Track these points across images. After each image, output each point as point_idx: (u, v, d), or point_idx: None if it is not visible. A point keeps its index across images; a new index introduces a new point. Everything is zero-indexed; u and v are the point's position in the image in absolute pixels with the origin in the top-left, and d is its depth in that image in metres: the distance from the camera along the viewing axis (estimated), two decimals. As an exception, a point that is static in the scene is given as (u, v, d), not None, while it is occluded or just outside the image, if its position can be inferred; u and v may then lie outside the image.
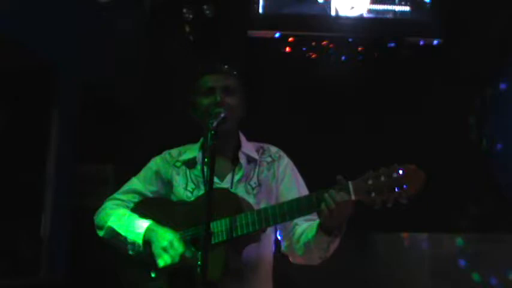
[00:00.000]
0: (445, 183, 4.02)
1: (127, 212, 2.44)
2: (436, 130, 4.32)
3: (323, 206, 2.06)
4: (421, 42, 4.38)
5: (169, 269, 2.22)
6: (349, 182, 2.04)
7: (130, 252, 2.35)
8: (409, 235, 4.57)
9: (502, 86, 4.55)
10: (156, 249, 2.25)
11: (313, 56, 4.32)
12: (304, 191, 2.43)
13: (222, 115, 2.23)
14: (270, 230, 2.39)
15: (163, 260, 2.21)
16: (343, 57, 4.34)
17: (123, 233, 2.36)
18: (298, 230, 2.33)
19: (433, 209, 4.10)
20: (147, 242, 2.30)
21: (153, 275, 2.32)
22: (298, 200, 2.18)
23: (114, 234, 2.39)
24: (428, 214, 4.13)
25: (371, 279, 4.37)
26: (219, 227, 2.20)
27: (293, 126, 4.07)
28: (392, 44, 4.33)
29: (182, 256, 2.19)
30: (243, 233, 2.19)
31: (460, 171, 4.27)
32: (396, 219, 3.79)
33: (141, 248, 2.31)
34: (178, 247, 2.21)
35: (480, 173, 4.39)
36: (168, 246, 2.22)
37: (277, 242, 2.48)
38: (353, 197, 2.02)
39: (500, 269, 4.37)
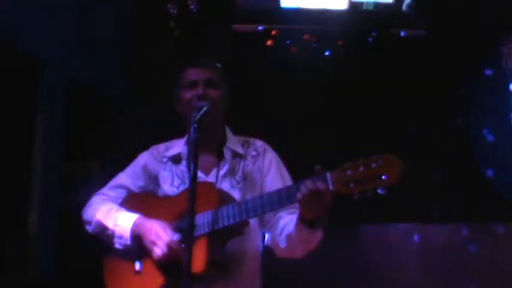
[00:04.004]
0: (429, 173, 4.05)
1: (115, 206, 2.46)
2: (420, 120, 4.34)
3: (299, 196, 2.05)
4: (405, 34, 4.39)
5: (161, 261, 2.24)
6: (328, 173, 2.03)
7: (118, 246, 2.37)
8: (397, 226, 4.58)
9: (487, 73, 4.57)
10: (146, 243, 2.28)
11: (296, 49, 4.32)
12: (290, 184, 2.41)
13: (205, 108, 2.22)
14: (256, 224, 2.40)
15: (154, 253, 2.24)
16: (327, 51, 4.35)
17: (110, 227, 2.38)
18: (282, 222, 2.33)
19: (419, 199, 4.12)
20: (135, 236, 2.32)
21: (137, 267, 2.34)
22: (278, 192, 2.17)
23: (101, 228, 2.41)
24: (415, 204, 4.15)
25: (359, 271, 4.39)
26: (201, 219, 2.21)
27: (278, 119, 4.08)
28: (376, 36, 4.34)
29: (169, 245, 2.21)
30: (224, 225, 2.20)
31: (446, 161, 4.29)
32: (383, 210, 3.81)
33: (128, 242, 2.34)
34: (164, 237, 2.23)
35: (467, 162, 4.41)
36: (156, 238, 2.24)
37: (264, 236, 2.48)
38: (331, 188, 2.01)
39: (489, 259, 4.40)
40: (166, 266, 2.25)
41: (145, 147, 2.64)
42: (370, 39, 4.42)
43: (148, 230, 2.28)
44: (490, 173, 4.45)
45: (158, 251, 2.23)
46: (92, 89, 4.48)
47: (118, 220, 2.38)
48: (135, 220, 2.35)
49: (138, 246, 2.32)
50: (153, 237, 2.25)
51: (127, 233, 2.34)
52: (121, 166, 2.63)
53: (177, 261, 2.16)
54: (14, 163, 4.01)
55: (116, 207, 2.46)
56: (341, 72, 4.30)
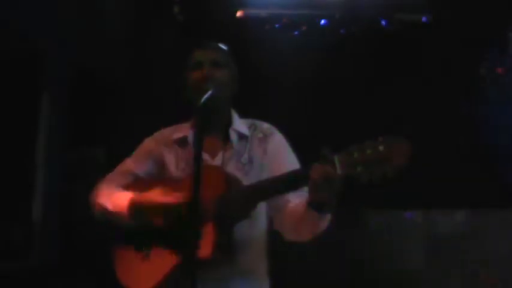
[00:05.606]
0: (437, 158, 4.03)
1: (116, 190, 2.45)
2: (427, 105, 4.32)
3: (308, 182, 2.01)
4: (409, 19, 4.38)
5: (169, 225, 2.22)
6: (335, 156, 1.99)
7: (121, 226, 2.36)
8: (402, 211, 4.57)
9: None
10: (151, 218, 2.25)
11: (300, 35, 4.31)
12: (296, 167, 2.38)
13: (210, 91, 2.20)
14: (263, 208, 2.37)
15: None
16: (329, 34, 4.34)
17: (110, 208, 2.37)
18: (290, 206, 2.30)
19: (426, 184, 4.11)
20: (134, 214, 2.30)
21: (145, 253, 2.32)
22: (284, 175, 2.15)
23: (103, 210, 2.41)
24: (421, 190, 4.14)
25: (364, 257, 4.39)
26: (207, 204, 2.16)
27: (283, 102, 4.07)
28: (381, 22, 4.33)
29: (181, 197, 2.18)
30: (230, 209, 2.18)
31: (453, 147, 4.28)
32: (390, 195, 3.80)
33: (128, 220, 2.31)
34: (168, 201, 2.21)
35: (474, 149, 4.40)
36: (161, 211, 2.22)
37: (270, 219, 2.45)
38: (339, 171, 1.96)
39: (495, 246, 4.39)
40: (173, 250, 2.23)
41: (150, 133, 2.62)
42: (374, 25, 4.40)
43: (148, 203, 2.26)
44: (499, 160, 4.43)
45: (163, 222, 2.21)
46: (95, 75, 4.46)
47: (116, 200, 2.37)
48: (131, 197, 2.33)
49: (143, 228, 2.30)
50: (156, 211, 2.23)
51: (124, 210, 2.31)
52: (126, 152, 2.61)
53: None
54: (18, 151, 4.02)
55: (117, 190, 2.45)
56: (345, 57, 4.28)
